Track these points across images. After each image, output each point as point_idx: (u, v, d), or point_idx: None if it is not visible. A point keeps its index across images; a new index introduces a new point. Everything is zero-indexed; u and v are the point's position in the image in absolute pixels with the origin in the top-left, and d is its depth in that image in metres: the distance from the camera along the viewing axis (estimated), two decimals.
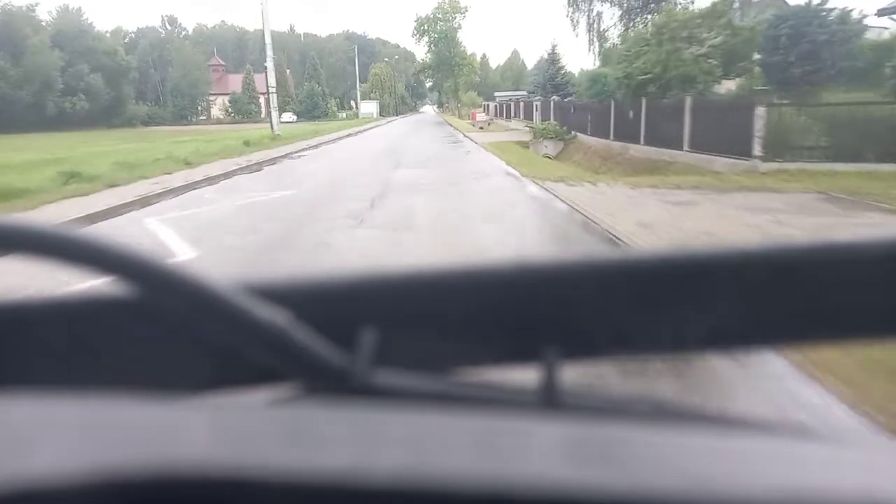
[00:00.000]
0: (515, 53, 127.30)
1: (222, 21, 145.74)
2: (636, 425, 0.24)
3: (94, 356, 0.32)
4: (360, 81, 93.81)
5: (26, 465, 0.21)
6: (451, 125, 45.79)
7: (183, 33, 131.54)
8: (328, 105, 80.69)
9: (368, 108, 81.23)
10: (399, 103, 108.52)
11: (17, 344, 0.32)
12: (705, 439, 0.24)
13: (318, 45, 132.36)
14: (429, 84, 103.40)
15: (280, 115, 71.76)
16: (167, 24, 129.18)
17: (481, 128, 46.80)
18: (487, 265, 0.31)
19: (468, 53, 65.87)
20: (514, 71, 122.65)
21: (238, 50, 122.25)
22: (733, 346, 0.33)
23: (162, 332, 0.31)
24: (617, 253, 0.32)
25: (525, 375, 0.30)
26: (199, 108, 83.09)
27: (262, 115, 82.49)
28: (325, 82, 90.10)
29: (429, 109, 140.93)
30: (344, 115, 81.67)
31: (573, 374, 0.30)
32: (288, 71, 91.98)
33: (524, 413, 0.26)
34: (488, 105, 59.40)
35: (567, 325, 0.31)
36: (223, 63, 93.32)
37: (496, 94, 62.22)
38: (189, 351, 0.32)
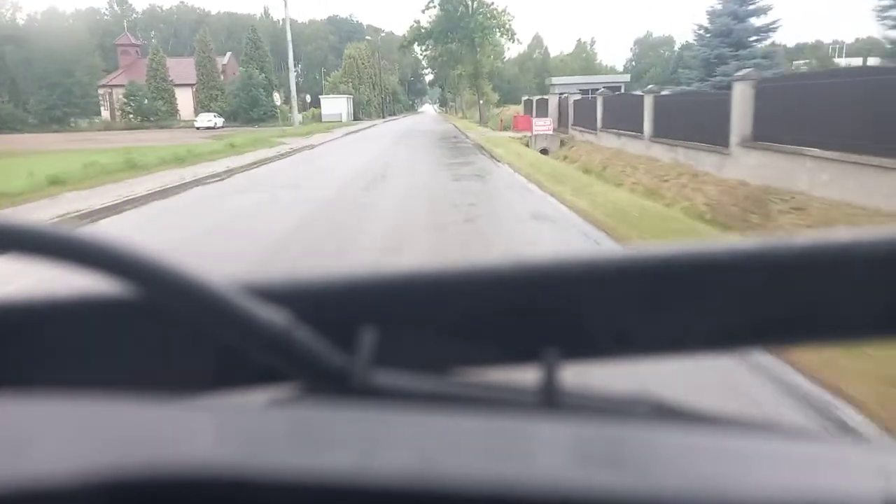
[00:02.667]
0: (537, 39, 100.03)
1: (181, 2, 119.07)
2: (637, 426, 0.25)
3: (95, 356, 0.32)
4: (334, 69, 66.14)
5: (27, 465, 0.21)
6: (487, 150, 17.43)
7: (133, 16, 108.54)
8: (272, 101, 52.76)
9: (334, 106, 53.25)
10: (390, 100, 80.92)
11: (18, 344, 0.32)
12: (707, 440, 0.24)
13: (297, 30, 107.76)
14: (429, 78, 76.53)
15: (197, 116, 43.41)
16: (114, 6, 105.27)
17: (544, 150, 20.05)
18: (487, 265, 0.31)
19: (498, 11, 37.48)
20: (536, 61, 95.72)
21: (197, 34, 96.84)
22: (733, 346, 0.33)
23: (162, 332, 0.31)
24: (617, 253, 0.32)
25: (525, 375, 0.30)
26: (99, 102, 55.23)
27: (181, 117, 55.06)
28: (273, 68, 62.40)
29: (429, 109, 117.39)
30: (300, 116, 54.05)
31: (573, 375, 0.30)
32: (229, 55, 64.38)
33: (524, 413, 0.26)
34: (533, 103, 31.72)
35: (567, 326, 0.31)
36: (136, 43, 65.54)
37: (553, 80, 34.74)
38: (189, 351, 0.31)
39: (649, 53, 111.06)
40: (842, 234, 0.30)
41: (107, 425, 0.24)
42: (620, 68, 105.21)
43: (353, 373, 0.28)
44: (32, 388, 0.27)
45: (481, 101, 38.54)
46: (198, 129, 44.33)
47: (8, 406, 0.25)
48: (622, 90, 33.26)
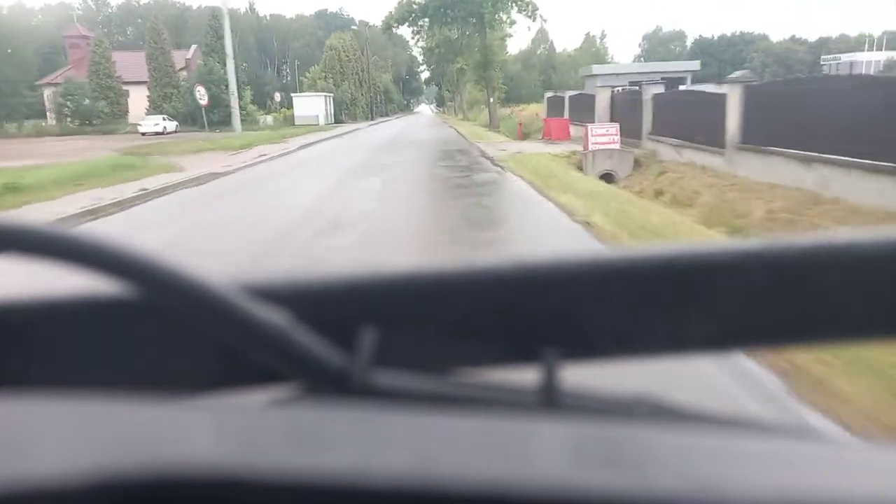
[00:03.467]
0: (542, 33, 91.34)
1: None
2: (637, 426, 0.25)
3: (94, 356, 0.32)
4: (311, 64, 57.43)
5: (27, 466, 0.21)
6: (542, 193, 7.45)
7: (107, 11, 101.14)
8: (241, 100, 44.21)
9: (309, 106, 44.37)
10: (381, 100, 72.31)
11: (18, 344, 0.32)
12: (706, 440, 0.24)
13: (284, 25, 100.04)
14: (425, 76, 68.30)
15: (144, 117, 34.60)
16: (88, 0, 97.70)
17: (607, 176, 11.15)
18: (487, 265, 0.31)
19: None
20: (540, 57, 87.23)
21: (176, 30, 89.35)
22: (733, 346, 0.33)
23: (162, 332, 0.31)
24: (617, 253, 0.32)
25: (525, 375, 0.30)
26: (41, 102, 46.72)
27: (130, 119, 46.31)
28: (259, 66, 53.85)
29: (425, 109, 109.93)
30: (269, 119, 45.38)
31: (573, 375, 0.30)
32: (194, 48, 55.61)
33: (524, 414, 0.25)
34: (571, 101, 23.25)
35: (567, 326, 0.31)
36: (88, 34, 56.65)
37: (594, 69, 25.97)
38: (189, 351, 0.32)
39: (659, 49, 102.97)
40: (842, 234, 0.30)
41: (107, 425, 0.24)
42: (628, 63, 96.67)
43: (353, 373, 0.28)
44: (32, 388, 0.27)
45: (492, 99, 29.57)
46: (143, 134, 36.23)
47: (8, 406, 0.25)
48: (687, 83, 24.45)
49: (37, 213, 7.57)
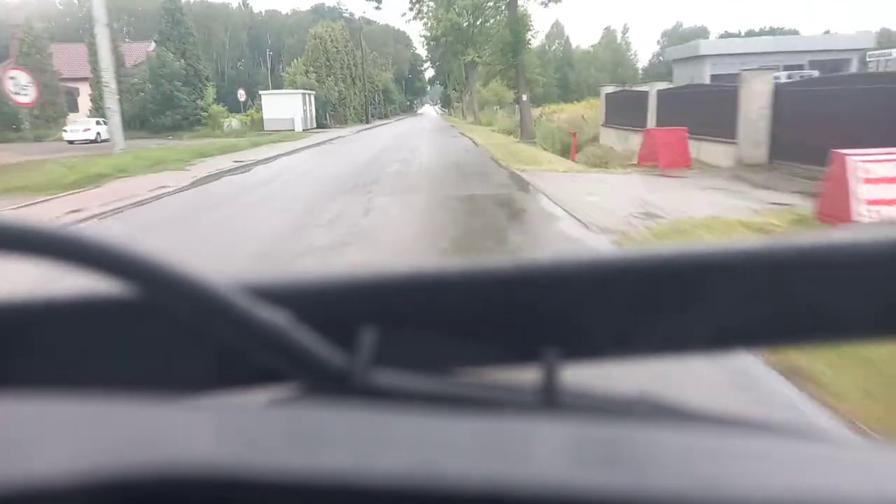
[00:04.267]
0: (557, 27, 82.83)
1: None
2: (637, 426, 0.25)
3: (94, 356, 0.32)
4: (291, 57, 48.94)
5: (27, 466, 0.21)
6: None
7: (90, 5, 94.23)
8: (202, 99, 35.88)
9: (282, 106, 35.32)
10: (379, 100, 63.84)
11: (18, 344, 0.32)
12: (706, 440, 0.24)
13: (279, 21, 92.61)
14: (429, 73, 60.45)
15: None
16: None
17: None
18: (487, 265, 0.31)
19: None
20: (555, 54, 78.86)
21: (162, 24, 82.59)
22: (733, 346, 0.33)
23: (162, 332, 0.31)
24: (617, 253, 0.32)
25: (525, 375, 0.30)
26: None
27: (68, 123, 38.05)
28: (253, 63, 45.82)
29: (429, 111, 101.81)
30: (234, 122, 36.85)
31: (573, 375, 0.30)
32: (154, 42, 47.21)
33: (524, 413, 0.26)
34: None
35: (567, 326, 0.31)
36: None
37: (702, 48, 16.84)
38: (189, 351, 0.32)
39: (680, 46, 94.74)
40: (842, 234, 0.30)
41: (107, 425, 0.24)
42: (645, 62, 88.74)
43: (353, 373, 0.29)
44: (32, 388, 0.27)
45: (524, 97, 20.71)
46: (70, 143, 28.47)
47: (8, 406, 0.25)
48: (851, 68, 15.63)
49: None
